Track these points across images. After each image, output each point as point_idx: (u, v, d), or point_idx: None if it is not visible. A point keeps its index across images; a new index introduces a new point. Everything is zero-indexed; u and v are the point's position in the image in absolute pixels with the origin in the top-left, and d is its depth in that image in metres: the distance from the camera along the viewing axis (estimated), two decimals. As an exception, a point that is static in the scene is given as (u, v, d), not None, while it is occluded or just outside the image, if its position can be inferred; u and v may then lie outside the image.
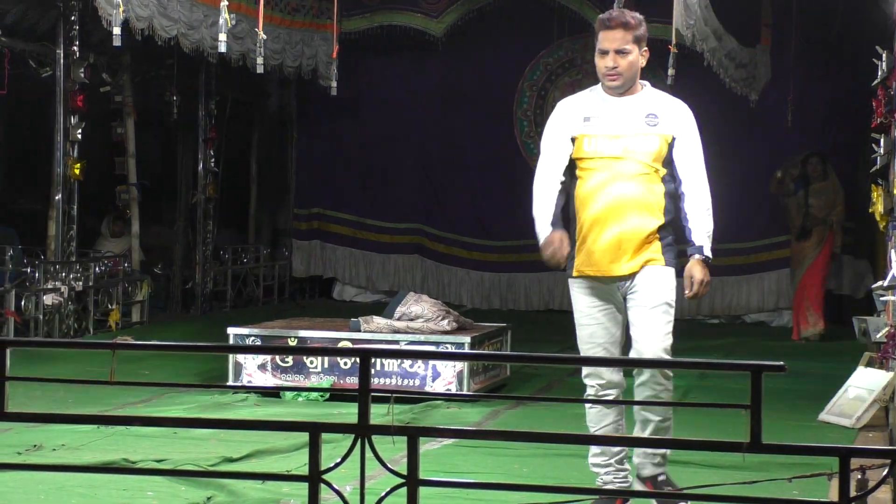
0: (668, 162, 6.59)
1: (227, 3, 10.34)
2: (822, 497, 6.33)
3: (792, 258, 14.99)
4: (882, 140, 11.52)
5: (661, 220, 6.53)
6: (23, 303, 13.35)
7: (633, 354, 6.71)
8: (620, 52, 6.54)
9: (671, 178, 6.62)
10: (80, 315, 14.23)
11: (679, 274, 6.61)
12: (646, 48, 6.69)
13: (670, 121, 6.60)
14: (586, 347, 6.75)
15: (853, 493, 4.48)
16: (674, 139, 6.57)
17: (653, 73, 17.08)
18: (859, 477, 5.70)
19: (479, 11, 17.20)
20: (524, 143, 18.25)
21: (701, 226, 6.58)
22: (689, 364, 11.08)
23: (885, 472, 4.93)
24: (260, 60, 12.42)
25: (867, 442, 8.65)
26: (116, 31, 10.27)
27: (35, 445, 7.78)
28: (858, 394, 9.49)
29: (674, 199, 6.60)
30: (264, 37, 11.31)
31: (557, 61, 18.17)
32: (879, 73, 11.33)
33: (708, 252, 6.58)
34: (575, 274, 6.63)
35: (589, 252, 6.55)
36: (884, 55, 11.05)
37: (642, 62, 6.67)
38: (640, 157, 6.52)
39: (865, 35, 13.75)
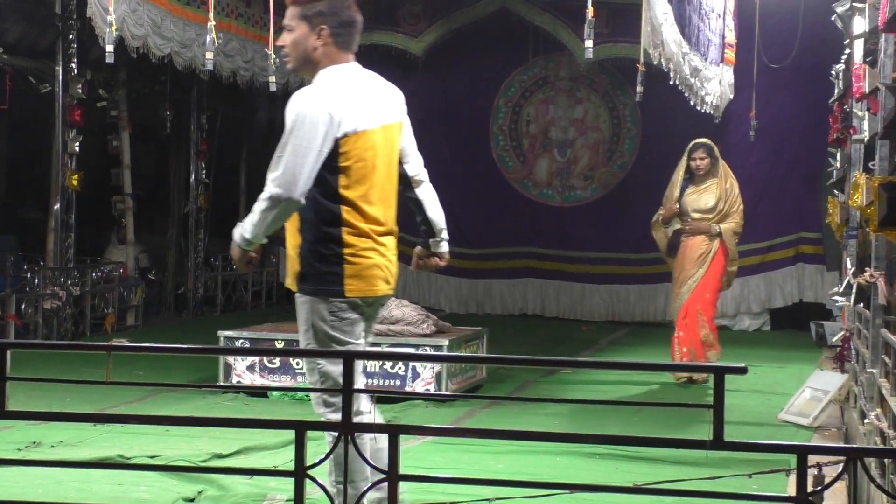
0: None
1: (213, 22, 10.32)
2: (781, 492, 6.33)
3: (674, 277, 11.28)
4: (838, 154, 11.57)
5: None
6: (23, 307, 13.31)
7: None
8: (287, 29, 5.74)
9: None
10: (77, 319, 14.21)
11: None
12: (324, 28, 5.66)
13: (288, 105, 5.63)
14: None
15: (810, 488, 4.49)
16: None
17: (622, 89, 17.31)
18: (816, 473, 5.72)
19: (458, 31, 17.20)
20: (500, 156, 18.28)
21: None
22: (660, 367, 11.12)
23: (840, 469, 4.94)
24: (272, 80, 12.47)
25: (823, 440, 8.67)
26: (109, 48, 10.22)
27: (34, 442, 7.77)
28: (815, 394, 9.52)
29: None
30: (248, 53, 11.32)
31: (532, 79, 18.20)
32: (836, 91, 11.39)
33: (235, 235, 5.57)
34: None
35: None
36: (839, 74, 11.10)
37: (315, 41, 5.67)
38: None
39: (823, 55, 13.82)
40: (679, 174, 10.81)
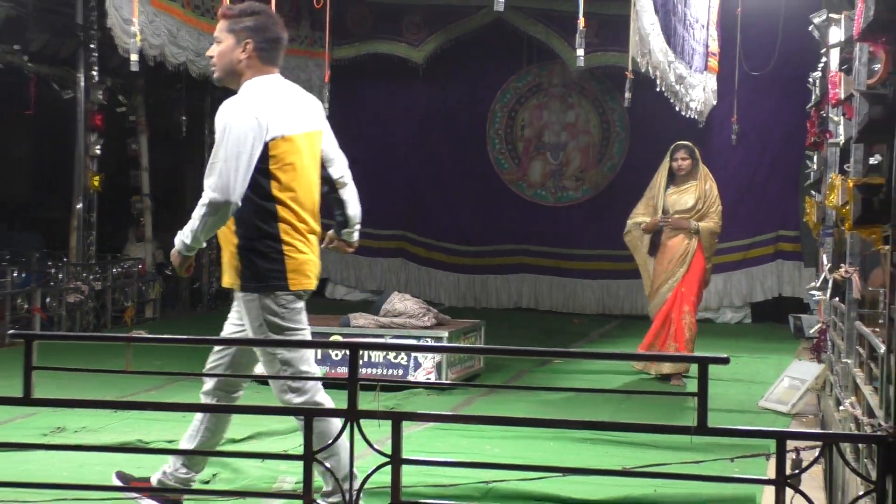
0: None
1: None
2: (761, 475, 6.35)
3: (653, 276, 10.88)
4: (815, 157, 11.57)
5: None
6: (47, 300, 13.34)
7: None
8: (216, 41, 5.77)
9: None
10: (98, 312, 14.23)
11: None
12: (250, 42, 5.70)
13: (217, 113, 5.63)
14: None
15: (788, 471, 4.50)
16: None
17: (611, 95, 17.31)
18: (794, 457, 5.73)
19: (456, 41, 17.22)
20: (496, 158, 18.29)
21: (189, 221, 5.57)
22: (646, 357, 11.13)
23: (817, 453, 4.94)
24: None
25: (801, 426, 8.67)
26: (134, 57, 10.22)
27: (59, 428, 7.80)
28: (793, 383, 9.52)
29: None
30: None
31: (526, 85, 18.20)
32: (813, 98, 11.38)
33: (178, 243, 5.67)
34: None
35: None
36: (817, 82, 11.10)
37: (241, 54, 5.70)
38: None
39: (801, 63, 13.82)
40: (662, 175, 10.74)
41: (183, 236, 5.54)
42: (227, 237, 5.62)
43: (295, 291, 5.62)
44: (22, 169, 17.44)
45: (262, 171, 5.51)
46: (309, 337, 5.87)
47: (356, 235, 6.23)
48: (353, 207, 6.10)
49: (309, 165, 5.70)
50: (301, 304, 5.71)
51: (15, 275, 13.06)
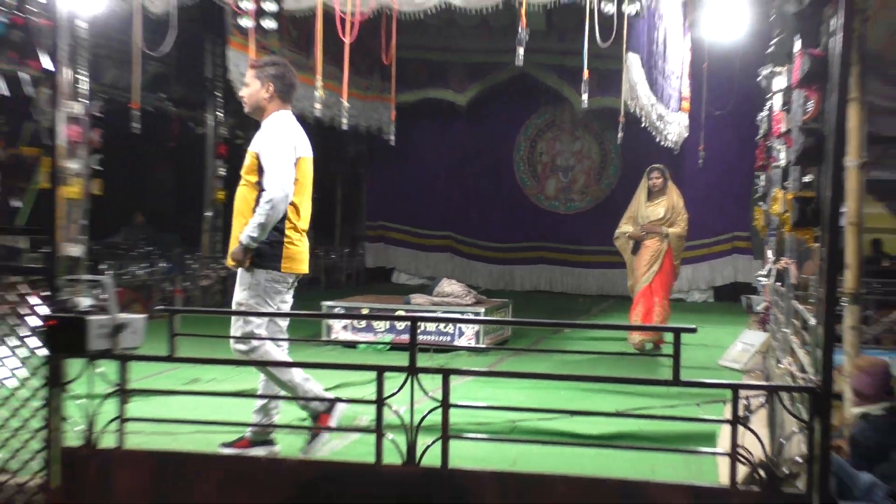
0: (260, 171, 5.64)
1: (321, 83, 10.38)
2: (720, 416, 6.35)
3: (634, 270, 10.64)
4: (762, 176, 11.51)
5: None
6: (186, 284, 13.47)
7: None
8: (246, 84, 5.84)
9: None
10: (224, 292, 14.34)
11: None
12: (270, 84, 5.75)
13: (256, 140, 5.71)
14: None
15: (741, 414, 4.52)
16: (258, 155, 5.66)
17: (608, 130, 17.22)
18: (745, 403, 5.72)
19: (490, 88, 17.23)
20: (521, 177, 18.29)
21: (251, 220, 5.59)
22: (624, 327, 11.08)
23: (763, 400, 4.96)
24: (344, 121, 12.47)
25: (751, 379, 8.63)
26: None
27: (195, 379, 7.91)
28: (745, 347, 9.48)
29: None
30: (347, 104, 11.33)
31: (543, 122, 18.18)
32: (761, 131, 11.32)
33: (244, 239, 5.58)
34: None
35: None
36: (764, 119, 11.04)
37: (264, 94, 5.77)
38: (243, 172, 5.75)
39: (752, 105, 13.72)
40: (642, 191, 10.64)
41: (250, 232, 5.54)
42: (243, 228, 5.63)
43: (282, 274, 5.67)
44: (166, 186, 17.56)
45: None
46: (280, 311, 5.80)
47: None
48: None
49: (308, 183, 5.82)
50: (283, 287, 5.72)
51: (161, 265, 13.22)
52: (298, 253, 5.75)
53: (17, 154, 10.96)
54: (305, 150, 5.79)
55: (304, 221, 5.80)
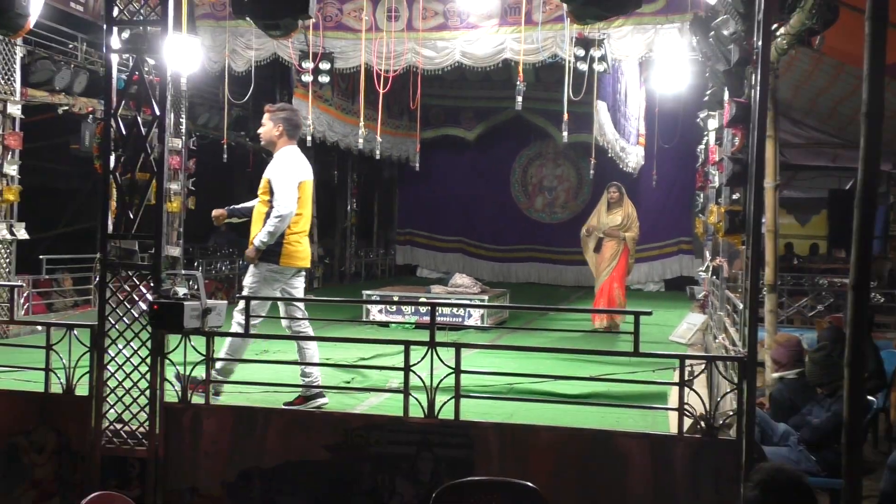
0: (272, 192, 5.59)
1: (363, 124, 10.36)
2: (670, 380, 6.27)
3: (596, 266, 10.34)
4: (701, 195, 11.43)
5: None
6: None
7: None
8: (263, 123, 5.77)
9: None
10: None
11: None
12: (280, 124, 5.70)
13: (269, 168, 5.68)
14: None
15: (686, 378, 4.47)
16: (270, 180, 5.61)
17: (583, 159, 17.09)
18: (690, 370, 5.65)
19: (493, 126, 17.18)
20: (516, 195, 18.16)
21: (263, 229, 5.60)
22: (604, 311, 10.95)
23: (703, 367, 4.90)
24: (378, 152, 12.46)
25: (694, 351, 8.54)
26: (308, 138, 10.34)
27: (264, 350, 7.80)
28: (689, 326, 9.42)
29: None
30: (380, 139, 11.29)
31: (533, 153, 18.07)
32: (700, 160, 11.25)
33: (256, 242, 5.60)
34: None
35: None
36: (702, 150, 10.96)
37: (275, 132, 5.71)
38: (259, 192, 5.72)
39: (692, 139, 13.63)
40: (603, 204, 10.34)
41: (261, 237, 5.55)
42: (257, 234, 5.62)
43: (280, 267, 5.61)
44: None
45: None
46: (282, 296, 5.77)
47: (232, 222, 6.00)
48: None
49: (309, 200, 5.80)
50: (280, 277, 5.64)
51: (240, 262, 13.17)
52: (297, 251, 5.68)
53: (132, 179, 10.93)
54: (307, 175, 5.79)
55: (305, 229, 5.76)
